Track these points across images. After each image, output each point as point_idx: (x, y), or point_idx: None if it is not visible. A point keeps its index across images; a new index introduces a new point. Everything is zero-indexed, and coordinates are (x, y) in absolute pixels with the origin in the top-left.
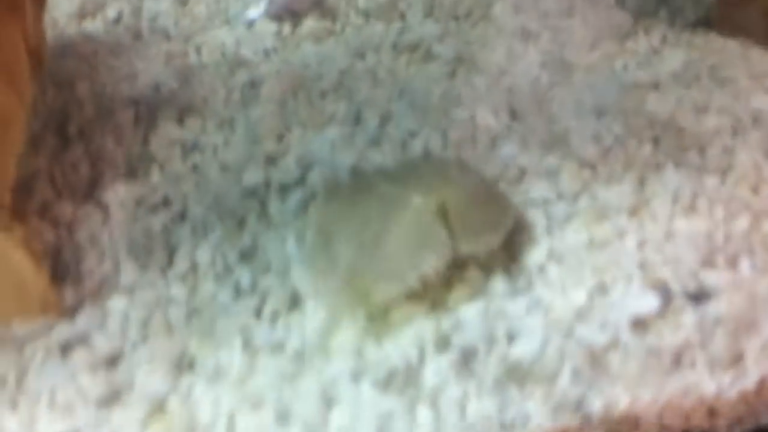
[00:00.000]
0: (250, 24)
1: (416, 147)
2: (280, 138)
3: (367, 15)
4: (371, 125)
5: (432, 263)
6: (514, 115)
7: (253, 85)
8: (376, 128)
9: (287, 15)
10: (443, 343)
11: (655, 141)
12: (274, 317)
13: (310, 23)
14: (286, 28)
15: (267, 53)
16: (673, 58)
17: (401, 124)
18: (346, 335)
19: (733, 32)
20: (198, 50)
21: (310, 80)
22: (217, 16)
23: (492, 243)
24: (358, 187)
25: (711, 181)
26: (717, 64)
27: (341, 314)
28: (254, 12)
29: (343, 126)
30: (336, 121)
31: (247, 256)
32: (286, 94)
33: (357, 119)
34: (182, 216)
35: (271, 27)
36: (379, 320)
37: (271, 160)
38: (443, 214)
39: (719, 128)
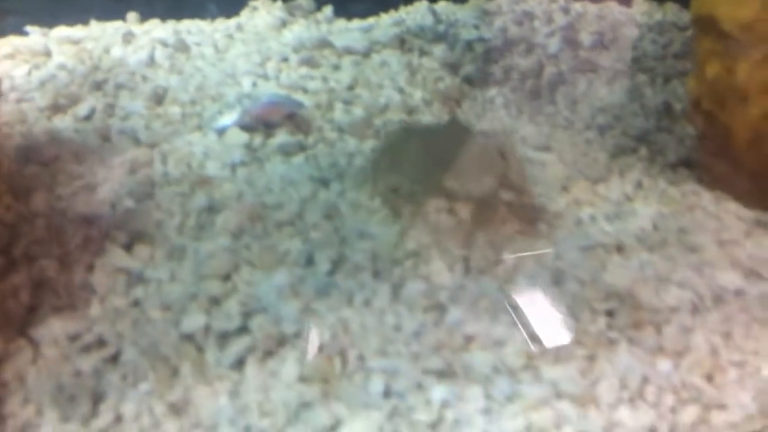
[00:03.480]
0: (222, 132)
1: (358, 300)
2: (227, 278)
3: (341, 130)
4: (322, 270)
5: (490, 183)
6: (468, 269)
7: (211, 210)
8: (326, 275)
9: (260, 126)
10: None
11: (611, 314)
12: None
13: (282, 136)
14: (258, 139)
15: (234, 168)
16: (644, 213)
17: (352, 273)
18: None
19: (713, 183)
20: (164, 159)
21: (269, 209)
22: (191, 119)
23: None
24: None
25: (664, 365)
26: (687, 226)
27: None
28: (227, 120)
29: (294, 268)
30: (287, 263)
31: (176, 410)
32: (243, 224)
33: (309, 261)
34: (115, 359)
35: (243, 137)
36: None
37: (214, 302)
38: (503, 154)
39: (679, 304)
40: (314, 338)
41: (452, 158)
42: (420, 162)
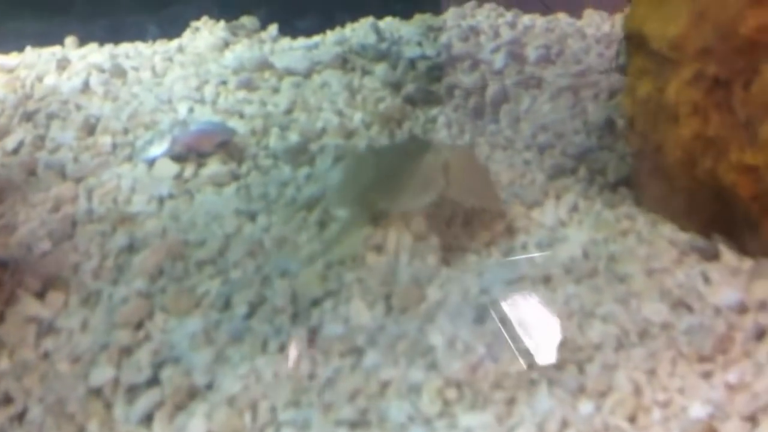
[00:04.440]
0: (152, 163)
1: (273, 347)
2: (140, 325)
3: (275, 157)
4: (238, 314)
5: (428, 200)
6: (390, 310)
7: (131, 250)
8: (242, 319)
9: (192, 155)
10: None
11: (532, 354)
12: None
13: (214, 165)
14: (189, 169)
15: (161, 201)
16: (576, 240)
17: (269, 316)
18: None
19: (651, 203)
20: (89, 195)
21: (191, 246)
22: (123, 149)
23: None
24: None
25: (585, 407)
26: (618, 254)
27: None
28: (157, 150)
29: (210, 312)
30: (203, 306)
31: None
32: (162, 265)
33: (226, 304)
34: (20, 417)
35: (173, 168)
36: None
37: (125, 352)
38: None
39: (603, 340)
40: (225, 389)
41: (393, 180)
42: (362, 186)
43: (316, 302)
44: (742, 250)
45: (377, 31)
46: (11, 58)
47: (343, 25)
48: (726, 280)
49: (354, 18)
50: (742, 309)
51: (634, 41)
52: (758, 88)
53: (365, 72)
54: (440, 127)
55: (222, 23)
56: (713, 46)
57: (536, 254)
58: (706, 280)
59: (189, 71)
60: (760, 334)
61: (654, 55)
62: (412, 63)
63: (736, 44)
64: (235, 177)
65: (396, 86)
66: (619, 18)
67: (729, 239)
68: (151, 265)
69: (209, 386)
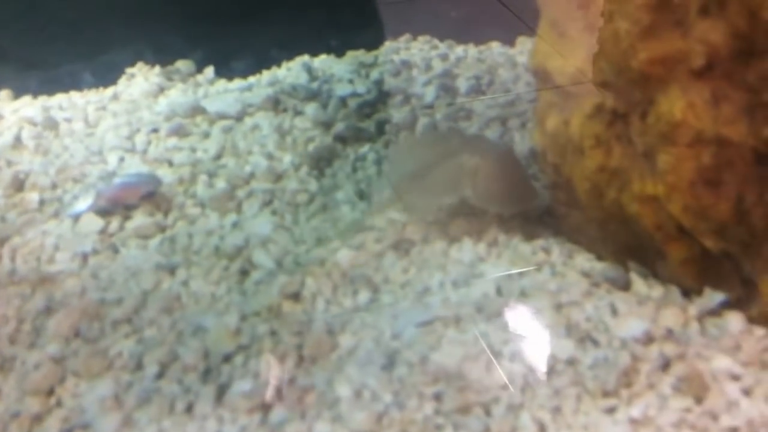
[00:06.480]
0: (77, 218)
1: (180, 407)
2: (51, 392)
3: (203, 205)
4: (149, 374)
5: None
6: (301, 361)
7: (49, 312)
8: (152, 380)
9: (117, 208)
10: None
11: (438, 398)
12: None
13: (140, 218)
14: (114, 223)
15: (84, 258)
16: (491, 276)
17: (179, 375)
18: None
19: (569, 233)
20: (13, 256)
21: (108, 305)
22: (50, 205)
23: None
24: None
25: None
26: (529, 289)
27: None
28: (82, 205)
29: (121, 375)
30: (115, 368)
31: None
32: (77, 326)
33: (138, 365)
34: None
35: (98, 223)
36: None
37: (36, 420)
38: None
39: (510, 380)
40: None
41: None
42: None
43: (227, 358)
44: (656, 276)
45: (309, 71)
46: None
47: (279, 64)
48: (633, 311)
49: (289, 57)
50: (648, 339)
51: (539, 77)
52: (654, 119)
53: (297, 112)
54: (369, 164)
55: (157, 68)
56: (610, 79)
57: (450, 293)
58: (614, 311)
59: (121, 120)
60: (665, 365)
61: (558, 90)
62: (343, 101)
63: (631, 77)
64: (161, 228)
65: (327, 125)
66: None
67: (643, 266)
68: (66, 327)
69: None
